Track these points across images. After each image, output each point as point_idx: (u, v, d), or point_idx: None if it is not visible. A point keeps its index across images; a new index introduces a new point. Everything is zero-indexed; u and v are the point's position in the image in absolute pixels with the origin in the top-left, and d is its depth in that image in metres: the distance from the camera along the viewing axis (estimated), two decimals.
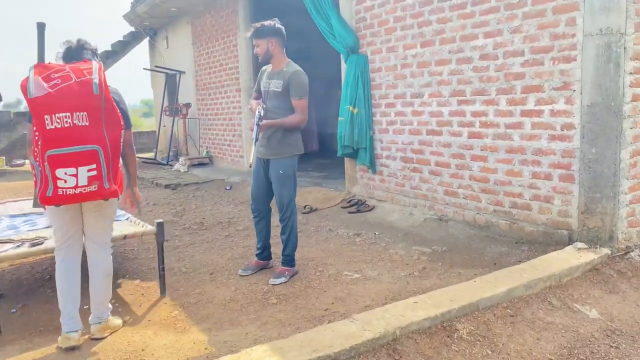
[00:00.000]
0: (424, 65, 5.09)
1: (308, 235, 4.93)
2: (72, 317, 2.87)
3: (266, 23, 3.70)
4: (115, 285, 3.82)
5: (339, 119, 5.94)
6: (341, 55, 6.05)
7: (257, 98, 3.89)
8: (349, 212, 5.66)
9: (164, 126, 11.44)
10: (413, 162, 5.38)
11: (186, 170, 9.56)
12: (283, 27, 3.74)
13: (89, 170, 2.59)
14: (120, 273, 4.08)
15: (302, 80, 3.67)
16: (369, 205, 5.75)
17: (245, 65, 8.62)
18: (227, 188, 7.61)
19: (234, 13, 8.71)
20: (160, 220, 3.63)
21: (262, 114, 3.65)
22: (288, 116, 3.68)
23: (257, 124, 3.56)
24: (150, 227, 3.65)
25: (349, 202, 5.96)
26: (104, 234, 2.99)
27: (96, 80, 2.62)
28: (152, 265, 4.21)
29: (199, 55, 10.25)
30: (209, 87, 10.01)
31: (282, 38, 3.74)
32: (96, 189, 2.63)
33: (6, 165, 12.08)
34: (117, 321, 3.13)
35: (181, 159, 9.92)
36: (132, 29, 12.63)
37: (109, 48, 12.82)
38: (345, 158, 6.29)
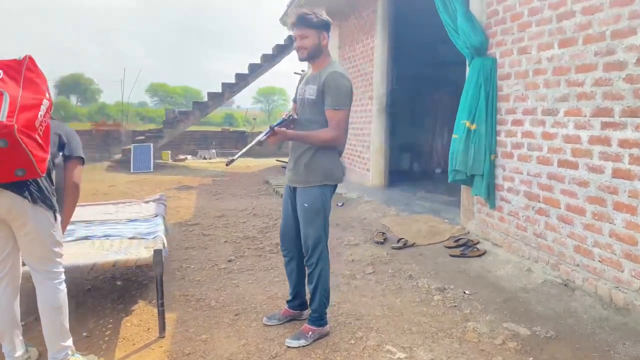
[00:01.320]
0: (562, 71, 3.73)
1: (379, 280, 3.97)
2: (7, 350, 2.60)
3: (317, 12, 2.92)
4: (129, 311, 3.41)
5: (453, 136, 4.81)
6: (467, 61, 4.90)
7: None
8: (451, 255, 4.51)
9: None
10: (539, 201, 4.03)
11: None
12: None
13: None
14: (149, 296, 3.66)
15: (340, 84, 2.81)
16: (478, 249, 4.52)
17: (380, 70, 7.80)
18: (339, 204, 6.91)
19: (374, 12, 7.96)
20: (159, 247, 3.08)
21: (285, 119, 2.92)
22: (318, 130, 2.85)
23: (271, 128, 2.79)
24: (144, 255, 3.11)
25: (456, 241, 4.79)
26: (44, 260, 2.54)
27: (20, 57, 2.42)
28: (193, 293, 3.72)
29: (343, 60, 9.73)
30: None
31: (329, 33, 2.94)
32: None
33: (170, 159, 13.09)
34: None
35: None
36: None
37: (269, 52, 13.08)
38: (462, 185, 5.11)
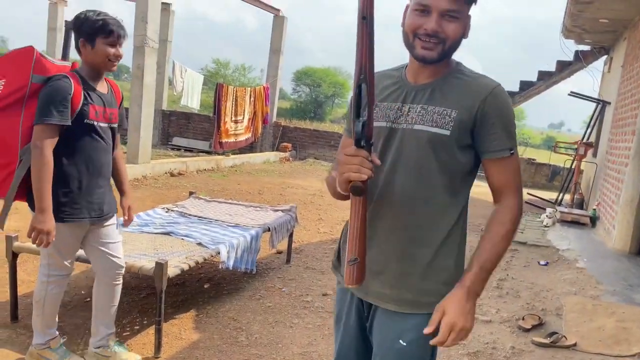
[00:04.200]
0: None
1: None
2: None
3: None
4: (179, 317, 3.22)
5: None
6: None
7: (361, 143, 1.30)
8: None
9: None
10: None
11: (550, 225, 7.39)
12: None
13: None
14: (218, 310, 3.45)
15: (511, 109, 1.48)
16: None
17: None
18: (542, 263, 5.38)
19: None
20: (163, 260, 2.77)
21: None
22: (500, 217, 1.47)
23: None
24: (147, 265, 2.84)
25: None
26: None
27: None
28: (242, 319, 3.38)
29: (622, 81, 7.60)
30: (617, 124, 7.32)
31: None
32: None
33: None
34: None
35: (549, 210, 7.74)
36: (585, 47, 10.67)
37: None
38: None
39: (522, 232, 6.73)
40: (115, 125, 2.50)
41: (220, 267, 3.38)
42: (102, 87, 2.42)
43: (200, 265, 4.17)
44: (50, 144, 2.20)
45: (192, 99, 12.02)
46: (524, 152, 14.58)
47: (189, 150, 13.50)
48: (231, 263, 3.43)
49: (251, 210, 4.58)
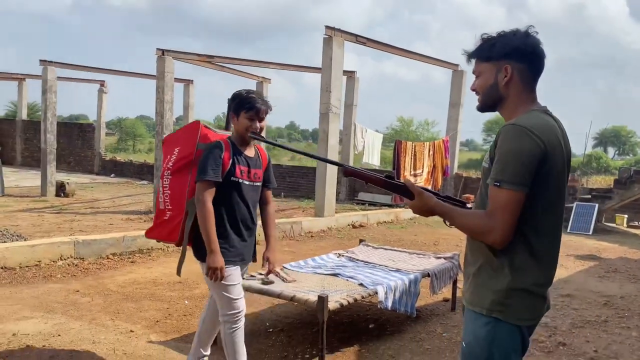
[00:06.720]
0: None
1: None
2: None
3: (503, 33, 1.78)
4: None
5: None
6: None
7: None
8: None
9: None
10: None
11: None
12: (536, 44, 1.76)
13: None
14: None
15: (509, 146, 1.66)
16: None
17: None
18: None
19: None
20: (324, 294, 3.17)
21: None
22: (470, 210, 1.84)
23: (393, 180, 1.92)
24: (312, 298, 3.26)
25: None
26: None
27: None
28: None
29: None
30: None
31: (528, 63, 1.77)
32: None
33: (625, 224, 11.36)
34: None
35: None
36: None
37: None
38: None
39: None
40: (259, 184, 2.92)
41: (378, 306, 3.70)
42: (249, 151, 2.86)
43: (367, 308, 4.55)
44: (209, 196, 2.67)
45: (373, 157, 12.83)
46: None
47: (372, 204, 14.21)
48: (389, 304, 3.72)
49: (414, 257, 4.83)
